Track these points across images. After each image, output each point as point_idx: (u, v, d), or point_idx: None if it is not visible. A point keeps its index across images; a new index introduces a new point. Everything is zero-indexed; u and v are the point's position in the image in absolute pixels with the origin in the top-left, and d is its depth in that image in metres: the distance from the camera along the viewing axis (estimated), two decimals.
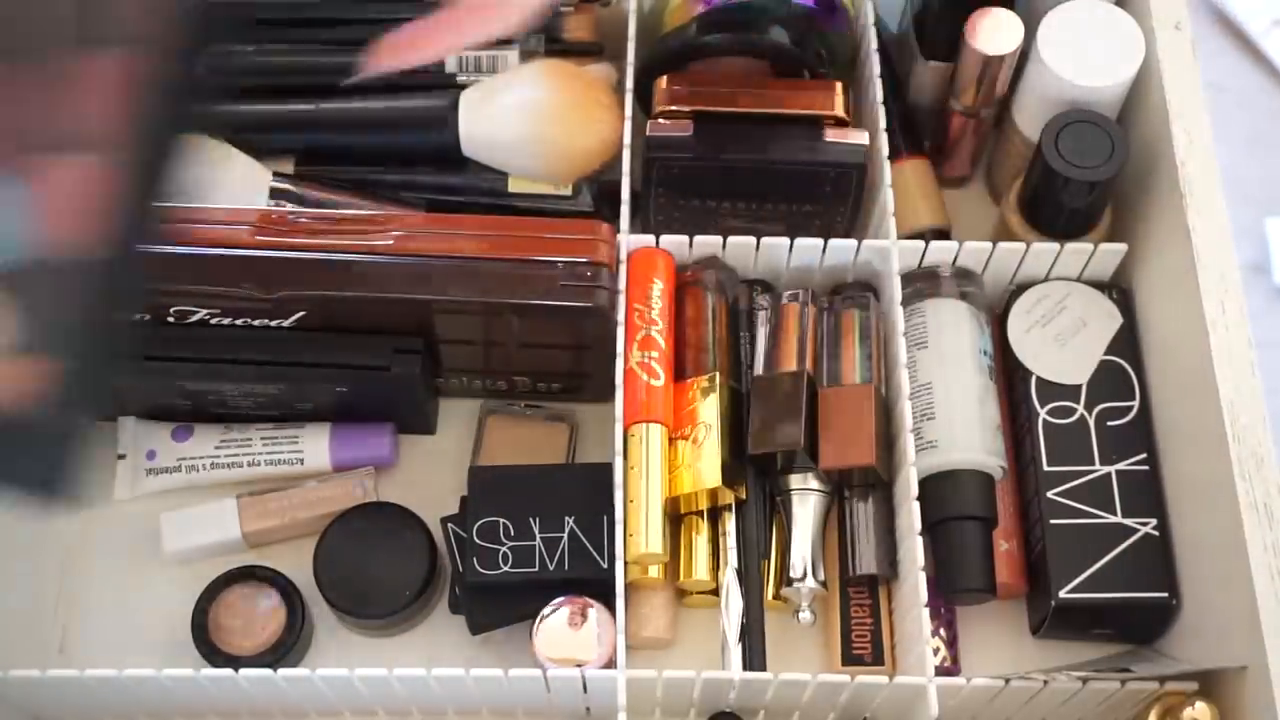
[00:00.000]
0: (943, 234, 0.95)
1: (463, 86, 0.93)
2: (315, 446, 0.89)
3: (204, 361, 0.84)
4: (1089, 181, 0.85)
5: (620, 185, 0.89)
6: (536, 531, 0.83)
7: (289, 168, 0.93)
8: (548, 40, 0.96)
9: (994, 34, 0.88)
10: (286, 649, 0.85)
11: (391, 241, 0.82)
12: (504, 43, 0.95)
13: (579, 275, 0.82)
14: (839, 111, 0.88)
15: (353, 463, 0.90)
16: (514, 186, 0.92)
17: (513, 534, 0.83)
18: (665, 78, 0.89)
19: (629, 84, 0.91)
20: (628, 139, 0.90)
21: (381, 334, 0.84)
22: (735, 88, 0.89)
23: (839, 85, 0.89)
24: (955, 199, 0.99)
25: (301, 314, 0.83)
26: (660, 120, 0.88)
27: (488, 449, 0.91)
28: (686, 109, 0.88)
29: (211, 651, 0.85)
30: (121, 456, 0.91)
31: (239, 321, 0.84)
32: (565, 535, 0.83)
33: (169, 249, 0.81)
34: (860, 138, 0.88)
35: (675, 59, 0.91)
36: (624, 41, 0.93)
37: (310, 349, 0.84)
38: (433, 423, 0.93)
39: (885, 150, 0.89)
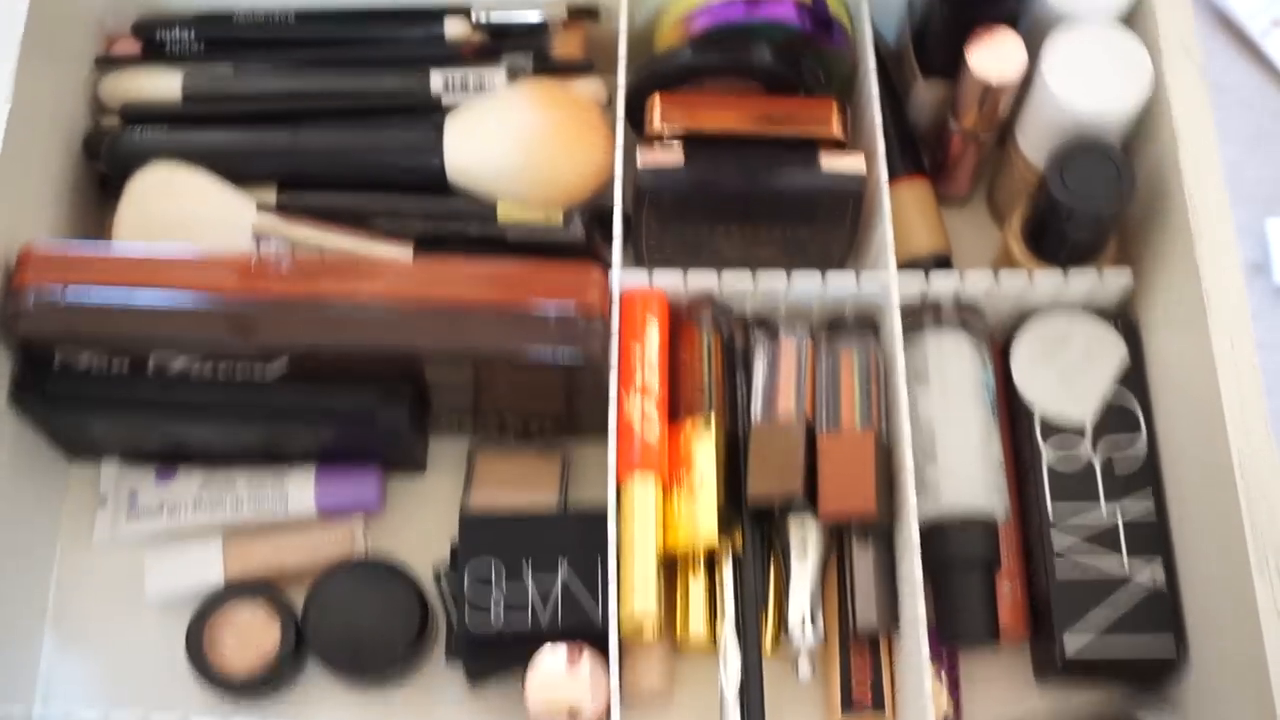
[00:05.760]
0: (943, 258, 0.93)
1: (447, 108, 0.91)
2: (300, 491, 0.87)
3: (186, 409, 0.82)
4: (1094, 214, 0.82)
5: (611, 211, 0.87)
6: (529, 582, 0.82)
7: (271, 193, 0.90)
8: (535, 58, 0.93)
9: (996, 59, 0.85)
10: (278, 676, 0.84)
11: (378, 287, 0.79)
12: (490, 59, 0.92)
13: (570, 324, 0.79)
14: (835, 133, 0.85)
15: (338, 508, 0.87)
16: (503, 213, 0.90)
17: (505, 585, 0.81)
18: (658, 100, 0.86)
19: (620, 111, 0.88)
20: (619, 166, 0.87)
21: (368, 379, 0.82)
22: (728, 109, 0.86)
23: (835, 105, 0.86)
24: (955, 218, 0.97)
25: (285, 362, 0.81)
26: (651, 147, 0.85)
27: (478, 486, 0.89)
28: (678, 133, 0.85)
29: (203, 667, 0.83)
30: (103, 499, 0.88)
31: (221, 368, 0.81)
32: (559, 585, 0.82)
33: (150, 299, 0.79)
34: (857, 164, 0.85)
35: (668, 80, 0.88)
36: (614, 57, 0.90)
37: (294, 396, 0.82)
38: (422, 461, 0.90)
39: (884, 176, 0.86)
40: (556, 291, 0.80)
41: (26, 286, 0.79)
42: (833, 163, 0.85)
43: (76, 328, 0.79)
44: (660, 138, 0.86)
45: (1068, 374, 0.86)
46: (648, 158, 0.85)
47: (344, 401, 0.82)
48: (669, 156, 0.85)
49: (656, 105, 0.86)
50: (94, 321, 0.79)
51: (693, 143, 0.86)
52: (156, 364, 0.81)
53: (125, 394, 0.82)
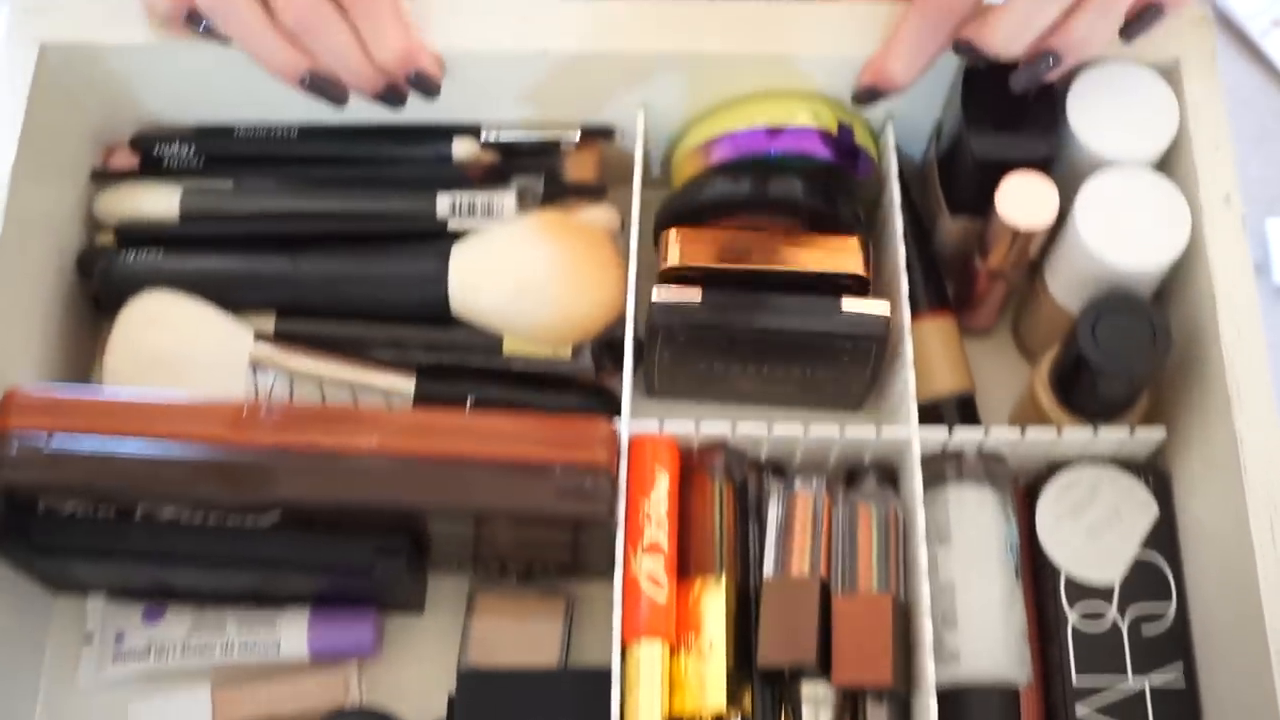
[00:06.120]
0: (966, 398, 0.89)
1: (453, 234, 0.87)
2: (293, 635, 0.83)
3: (175, 557, 0.79)
4: (1127, 374, 0.79)
5: (622, 341, 0.83)
6: None
7: (270, 321, 0.87)
8: (547, 180, 0.89)
9: (1026, 204, 0.81)
10: None
11: (374, 441, 0.76)
12: (500, 183, 0.89)
13: (577, 483, 0.75)
14: (858, 271, 0.82)
15: (332, 652, 0.84)
16: (509, 347, 0.87)
17: None
18: (675, 236, 0.83)
19: (634, 241, 0.84)
20: (631, 304, 0.83)
21: (364, 529, 0.79)
22: (747, 245, 0.83)
23: (858, 244, 0.83)
24: (979, 349, 0.93)
25: (278, 514, 0.77)
26: (667, 284, 0.82)
27: (478, 631, 0.85)
28: (694, 271, 0.82)
29: None
30: (88, 638, 0.85)
31: (212, 516, 0.78)
32: None
33: (137, 449, 0.75)
34: (880, 308, 0.82)
35: (688, 214, 0.85)
36: (628, 177, 0.86)
37: (288, 545, 0.79)
38: (420, 603, 0.87)
39: (907, 319, 0.82)
40: (563, 448, 0.76)
41: (10, 432, 0.76)
42: (854, 304, 0.82)
43: (61, 476, 0.76)
44: (676, 275, 0.83)
45: (1096, 532, 0.82)
46: (663, 294, 0.82)
47: (340, 553, 0.79)
48: (685, 294, 0.82)
49: (673, 241, 0.83)
50: (79, 470, 0.75)
51: (710, 280, 0.83)
52: (145, 511, 0.78)
53: (112, 541, 0.78)
